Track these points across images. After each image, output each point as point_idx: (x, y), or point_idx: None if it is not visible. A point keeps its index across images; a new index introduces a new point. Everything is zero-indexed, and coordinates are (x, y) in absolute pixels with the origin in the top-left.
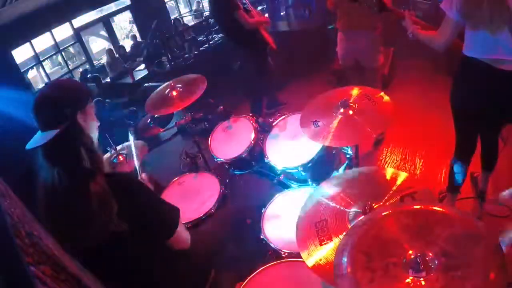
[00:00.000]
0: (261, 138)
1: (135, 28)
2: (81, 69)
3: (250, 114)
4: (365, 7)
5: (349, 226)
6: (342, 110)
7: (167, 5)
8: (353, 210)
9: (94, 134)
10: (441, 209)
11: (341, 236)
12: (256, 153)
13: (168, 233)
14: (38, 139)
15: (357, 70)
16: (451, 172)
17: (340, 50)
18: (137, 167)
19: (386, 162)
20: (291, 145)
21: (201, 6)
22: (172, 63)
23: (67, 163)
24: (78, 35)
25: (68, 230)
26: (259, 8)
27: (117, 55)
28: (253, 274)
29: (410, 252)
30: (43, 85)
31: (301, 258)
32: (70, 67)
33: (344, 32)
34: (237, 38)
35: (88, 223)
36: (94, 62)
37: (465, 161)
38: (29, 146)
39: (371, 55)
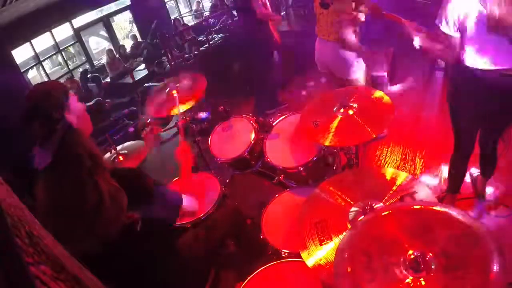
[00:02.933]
0: (261, 138)
1: (135, 28)
2: (81, 69)
3: (250, 114)
4: (334, 16)
5: (349, 226)
6: (342, 110)
7: (167, 5)
8: (353, 210)
9: (88, 124)
10: (441, 209)
11: (341, 236)
12: (256, 153)
13: (171, 220)
14: (42, 156)
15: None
16: (450, 172)
17: (315, 55)
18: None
19: (386, 162)
20: (291, 145)
21: (201, 6)
22: (172, 63)
23: (69, 165)
24: (78, 35)
25: (80, 230)
26: None
27: (117, 55)
28: (253, 274)
29: (410, 252)
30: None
31: (301, 258)
32: (70, 67)
33: (317, 36)
34: (249, 24)
35: (101, 220)
36: (94, 62)
37: (463, 161)
38: (39, 166)
39: (341, 68)
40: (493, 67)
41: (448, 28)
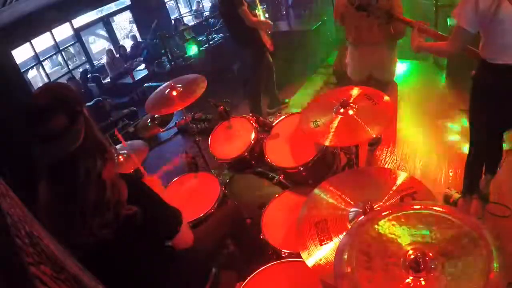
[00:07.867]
0: (261, 138)
1: (135, 28)
2: (81, 69)
3: (250, 114)
4: (373, 18)
5: (349, 226)
6: (342, 110)
7: (167, 5)
8: (353, 210)
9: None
10: (441, 209)
11: (341, 236)
12: (256, 153)
13: (168, 235)
14: (54, 152)
15: (368, 83)
16: (467, 173)
17: (353, 65)
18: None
19: (386, 162)
20: (291, 145)
21: (201, 6)
22: (172, 63)
23: (83, 159)
24: (78, 35)
25: (82, 221)
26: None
27: (117, 55)
28: (253, 274)
29: (410, 252)
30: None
31: (301, 258)
32: (70, 67)
33: (355, 46)
34: (238, 35)
35: (103, 209)
36: (94, 62)
37: (481, 162)
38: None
39: (387, 68)
40: None
41: (468, 24)
